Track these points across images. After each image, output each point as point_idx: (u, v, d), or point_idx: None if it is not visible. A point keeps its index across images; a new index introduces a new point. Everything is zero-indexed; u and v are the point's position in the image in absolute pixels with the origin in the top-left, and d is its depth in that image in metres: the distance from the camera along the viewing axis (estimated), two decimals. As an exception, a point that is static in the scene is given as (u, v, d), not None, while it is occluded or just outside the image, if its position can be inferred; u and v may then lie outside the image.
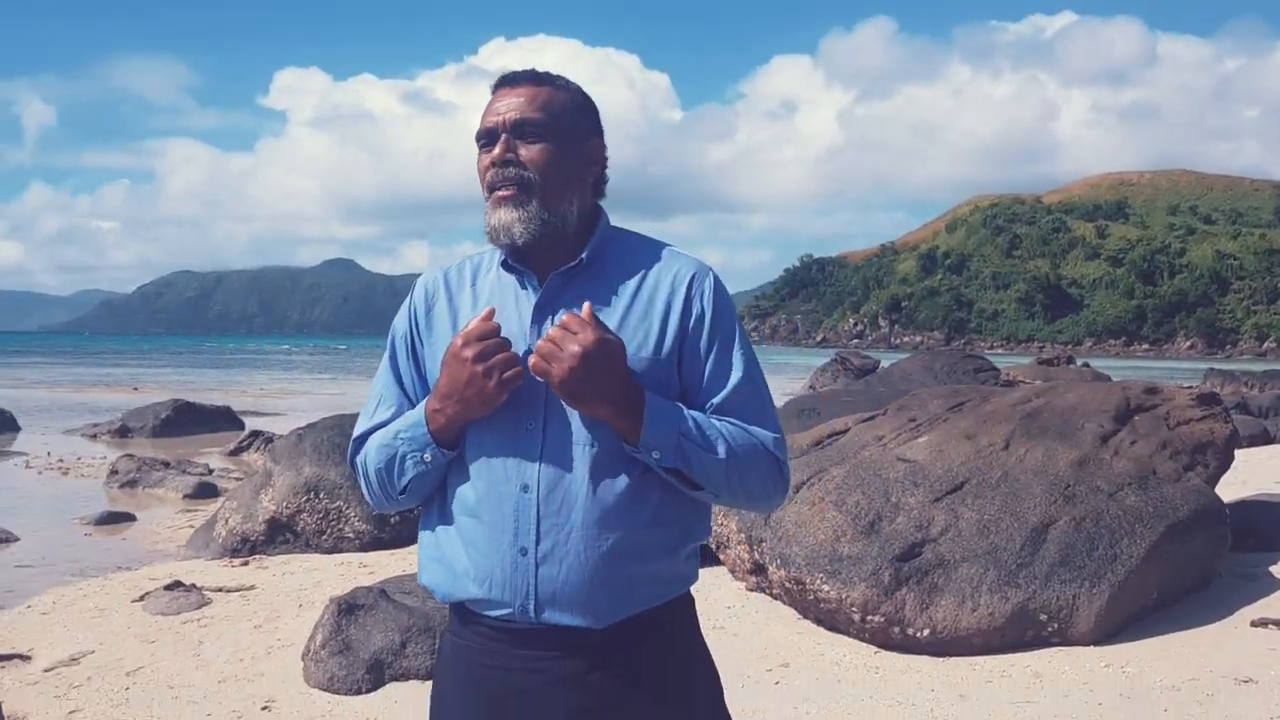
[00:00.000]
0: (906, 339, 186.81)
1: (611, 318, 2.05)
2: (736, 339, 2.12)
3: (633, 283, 2.12)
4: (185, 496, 12.79)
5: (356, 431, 2.21)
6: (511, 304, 2.11)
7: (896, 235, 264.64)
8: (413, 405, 2.16)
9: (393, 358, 2.22)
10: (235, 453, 17.20)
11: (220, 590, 7.70)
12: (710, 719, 2.17)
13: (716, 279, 2.15)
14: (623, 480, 2.01)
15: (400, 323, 2.23)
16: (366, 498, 2.21)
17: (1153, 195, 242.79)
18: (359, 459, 2.19)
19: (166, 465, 14.17)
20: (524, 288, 2.12)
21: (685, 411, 2.01)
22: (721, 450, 2.00)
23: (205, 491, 12.94)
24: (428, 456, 2.05)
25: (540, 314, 2.08)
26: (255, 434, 18.07)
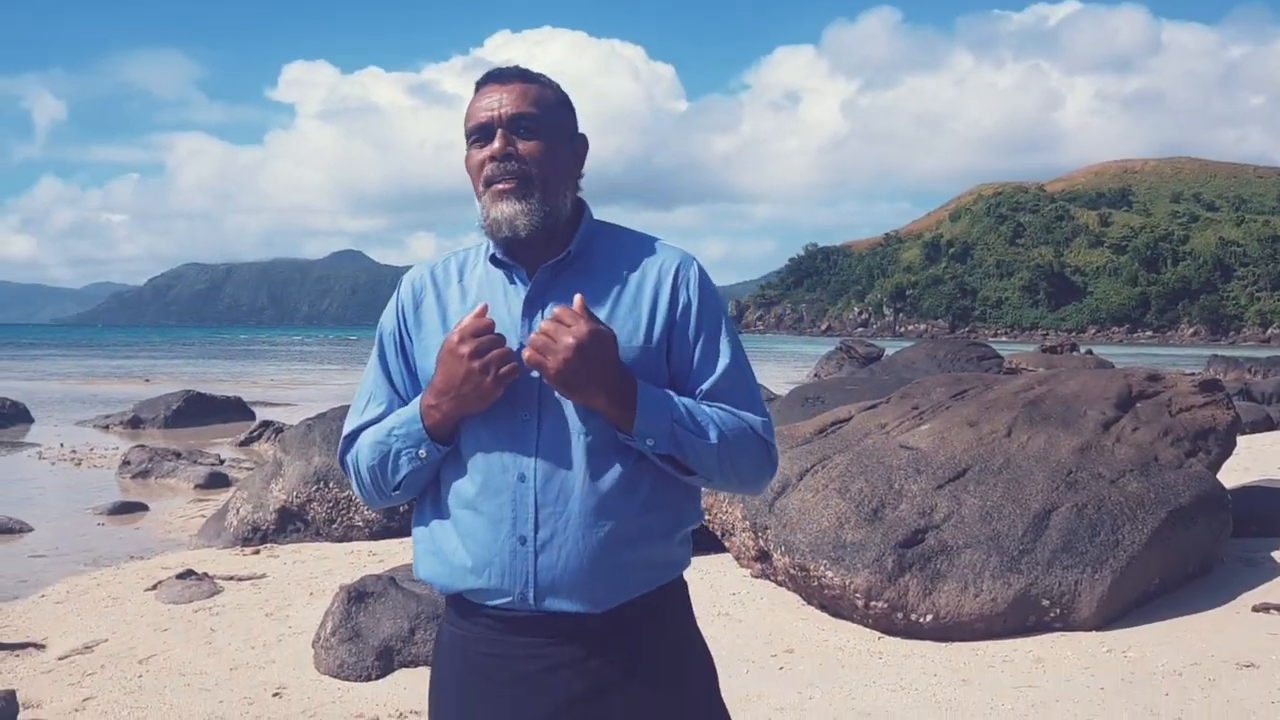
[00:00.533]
0: (911, 327, 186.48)
1: (601, 309, 2.08)
2: (723, 326, 2.17)
3: (620, 274, 2.15)
4: (197, 486, 12.87)
5: (346, 429, 2.22)
6: (500, 298, 2.14)
7: (900, 224, 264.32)
8: (403, 402, 2.17)
9: (381, 355, 2.23)
10: (246, 443, 17.29)
11: (231, 579, 7.77)
12: (705, 700, 2.20)
13: (701, 268, 2.19)
14: (617, 468, 2.05)
15: (388, 320, 2.24)
16: (357, 495, 2.23)
17: (1156, 183, 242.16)
18: (349, 457, 2.20)
19: (178, 455, 14.24)
20: (513, 282, 2.15)
21: (676, 399, 2.05)
22: (713, 435, 2.04)
23: (216, 481, 13.02)
24: (423, 452, 2.07)
25: (530, 308, 2.12)
26: (266, 424, 18.14)
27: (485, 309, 2.04)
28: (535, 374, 2.04)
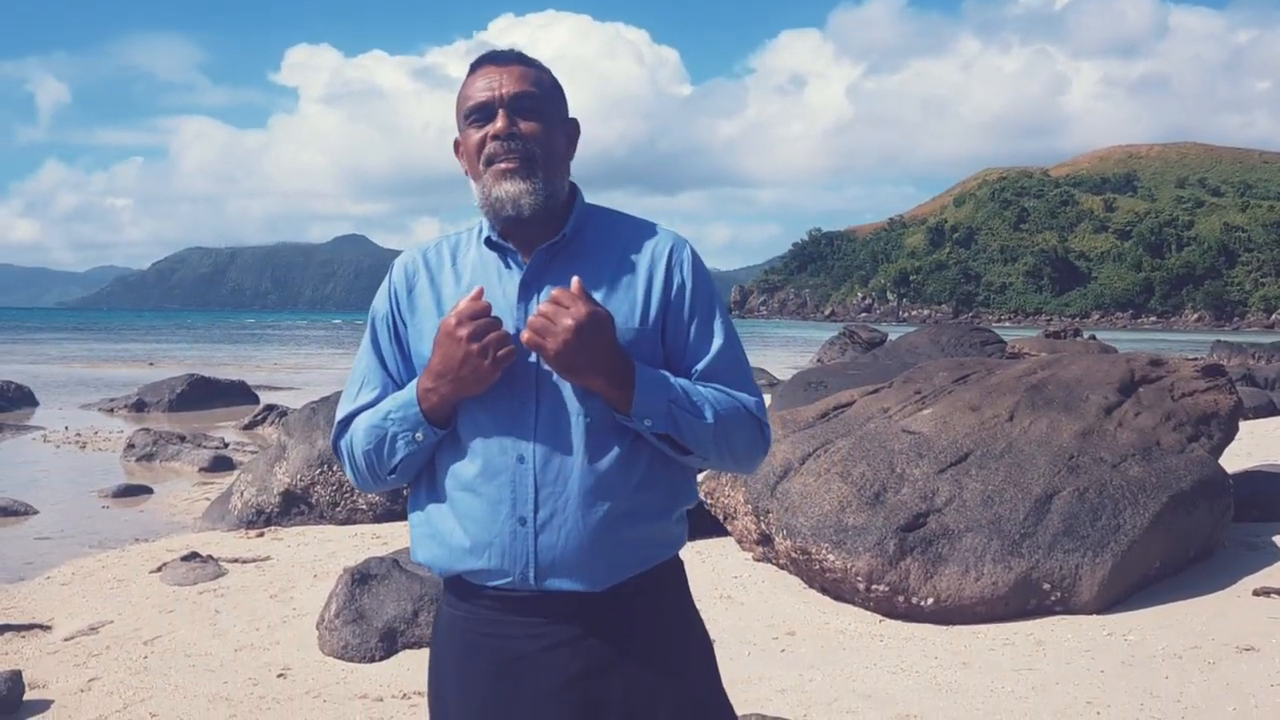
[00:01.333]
0: (914, 312, 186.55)
1: (597, 292, 2.09)
2: (716, 308, 2.18)
3: (614, 257, 2.16)
4: (201, 469, 12.89)
5: (339, 415, 2.21)
6: (495, 281, 2.14)
7: (905, 209, 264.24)
8: (397, 386, 2.17)
9: (374, 339, 2.22)
10: (250, 426, 17.33)
11: (236, 561, 7.80)
12: (703, 679, 2.22)
13: (693, 251, 2.20)
14: (614, 448, 2.06)
15: (380, 304, 2.23)
16: (351, 480, 2.22)
17: (1161, 168, 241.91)
18: (343, 442, 2.20)
19: (182, 439, 14.26)
20: (508, 266, 2.15)
21: (673, 379, 2.07)
22: (709, 415, 2.06)
23: (221, 464, 13.04)
24: (419, 435, 2.07)
25: (526, 290, 2.12)
26: (270, 408, 18.18)
27: (481, 292, 2.05)
28: (533, 356, 2.05)
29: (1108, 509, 6.15)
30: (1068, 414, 6.97)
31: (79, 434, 16.37)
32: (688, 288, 2.15)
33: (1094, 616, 5.91)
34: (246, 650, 5.80)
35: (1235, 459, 8.77)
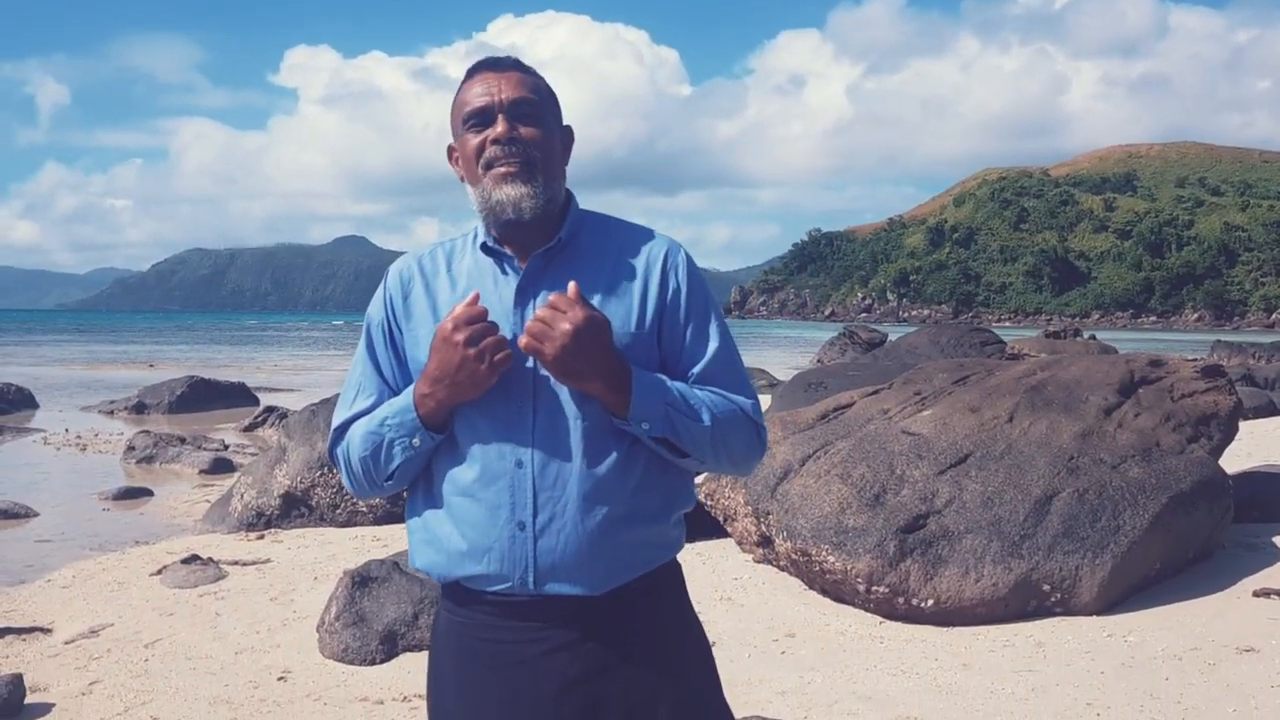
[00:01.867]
0: (914, 312, 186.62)
1: (592, 296, 2.09)
2: (711, 311, 2.20)
3: (609, 261, 2.17)
4: (201, 472, 12.89)
5: (336, 422, 2.22)
6: (491, 287, 2.14)
7: (905, 209, 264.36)
8: (393, 392, 2.17)
9: (370, 346, 2.23)
10: (250, 428, 17.33)
11: (236, 564, 7.80)
12: (701, 681, 2.22)
13: (688, 255, 2.22)
14: (612, 452, 2.07)
15: (376, 311, 2.23)
16: (348, 487, 2.23)
17: (1161, 168, 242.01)
18: (339, 449, 2.21)
19: (183, 441, 14.27)
20: (504, 271, 2.16)
21: (669, 383, 2.08)
22: (706, 418, 2.07)
23: (221, 467, 13.05)
24: (416, 441, 2.08)
25: (522, 296, 2.13)
26: (270, 410, 18.17)
27: (478, 297, 2.05)
28: (530, 361, 2.05)
29: (1107, 510, 6.16)
30: (1067, 415, 6.97)
31: (79, 436, 16.38)
32: (683, 292, 2.17)
33: (1094, 618, 5.91)
34: (247, 653, 5.80)
35: (1235, 459, 8.77)
